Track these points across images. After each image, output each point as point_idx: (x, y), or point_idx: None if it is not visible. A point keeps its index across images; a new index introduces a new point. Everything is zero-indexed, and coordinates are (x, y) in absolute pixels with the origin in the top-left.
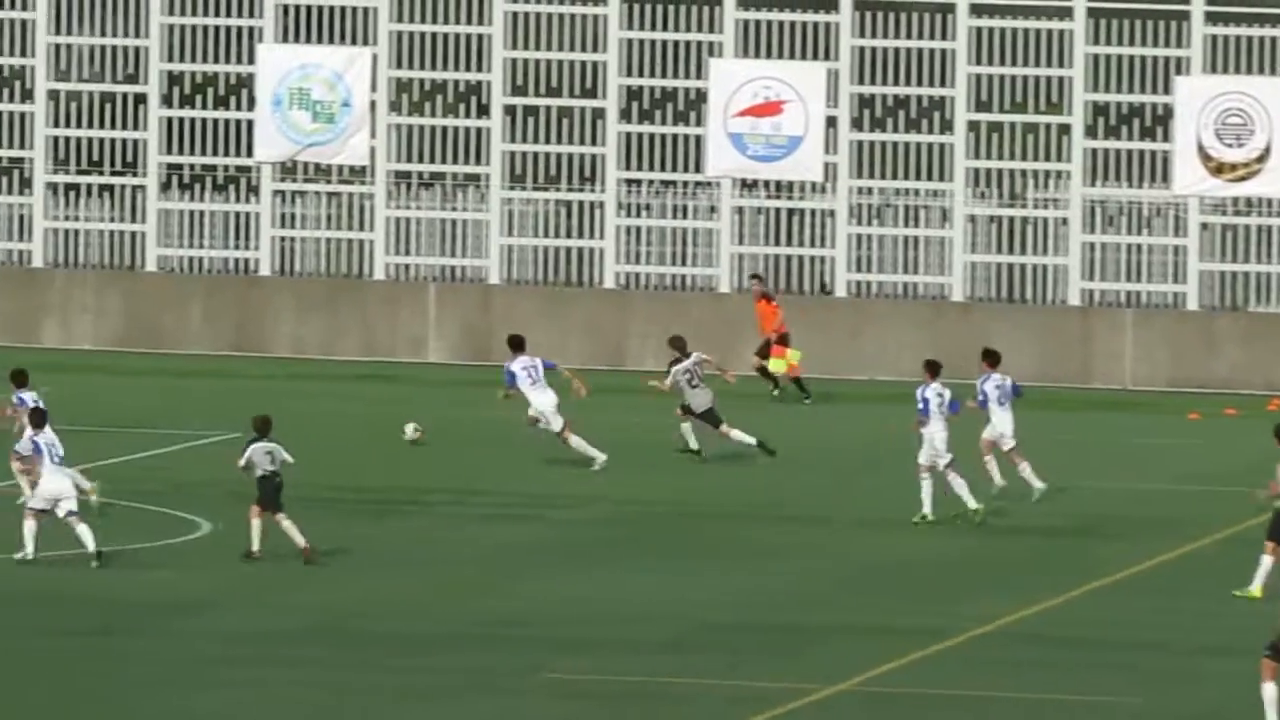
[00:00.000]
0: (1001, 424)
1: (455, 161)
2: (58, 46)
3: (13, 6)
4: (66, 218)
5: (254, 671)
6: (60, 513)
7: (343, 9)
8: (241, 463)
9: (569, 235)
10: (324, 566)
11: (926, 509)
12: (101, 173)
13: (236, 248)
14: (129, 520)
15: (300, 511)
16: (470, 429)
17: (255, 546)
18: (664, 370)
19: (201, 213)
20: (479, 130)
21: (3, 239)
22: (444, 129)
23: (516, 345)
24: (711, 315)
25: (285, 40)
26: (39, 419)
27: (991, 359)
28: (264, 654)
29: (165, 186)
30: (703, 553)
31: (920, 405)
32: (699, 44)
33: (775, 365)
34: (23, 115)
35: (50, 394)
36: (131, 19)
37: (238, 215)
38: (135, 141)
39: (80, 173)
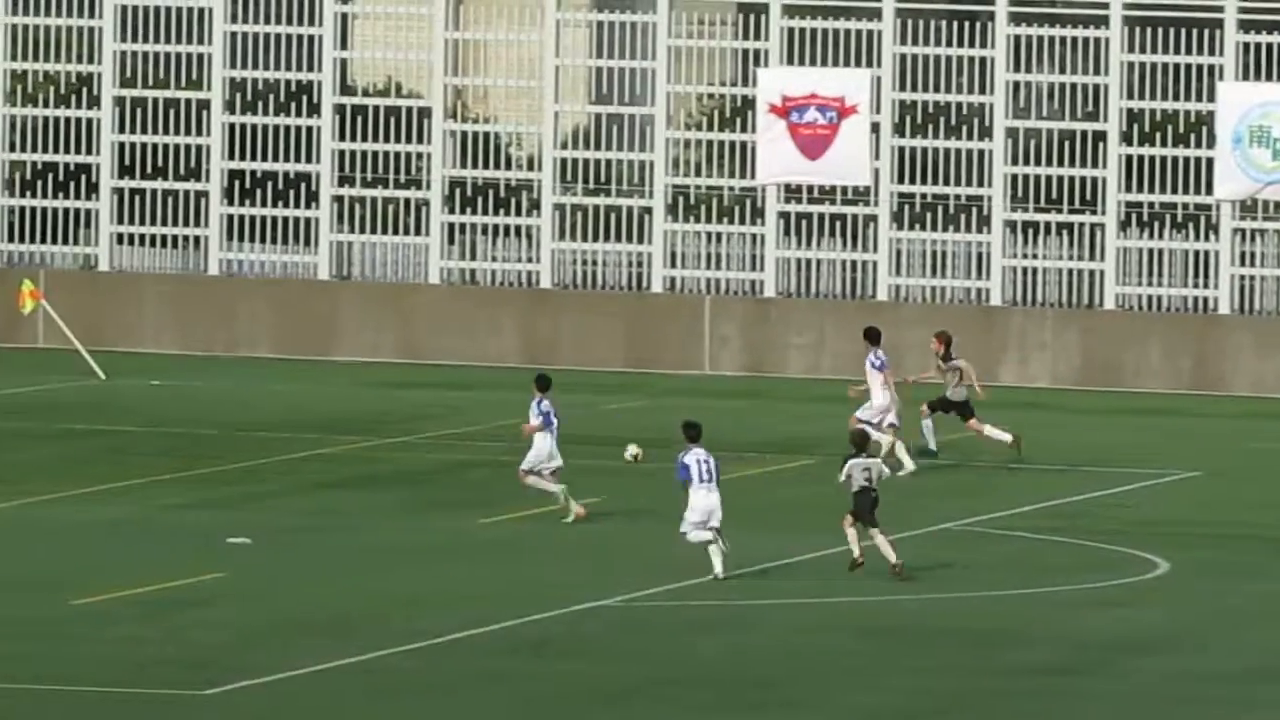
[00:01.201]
0: None
1: None
2: (1016, 84)
3: (972, 45)
4: (1025, 255)
5: (1217, 712)
6: (714, 524)
7: None
8: (841, 477)
9: None
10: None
11: None
12: (1060, 210)
13: (1195, 286)
14: (1086, 557)
15: (1228, 550)
16: None
17: (857, 553)
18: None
19: (1160, 251)
20: None
21: (961, 276)
22: None
23: (876, 338)
24: None
25: (1246, 78)
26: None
27: None
28: (1226, 695)
29: (1124, 224)
30: None
31: None
32: None
33: None
34: (980, 153)
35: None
36: (1091, 59)
37: (1196, 253)
38: (1094, 179)
39: (1039, 210)
